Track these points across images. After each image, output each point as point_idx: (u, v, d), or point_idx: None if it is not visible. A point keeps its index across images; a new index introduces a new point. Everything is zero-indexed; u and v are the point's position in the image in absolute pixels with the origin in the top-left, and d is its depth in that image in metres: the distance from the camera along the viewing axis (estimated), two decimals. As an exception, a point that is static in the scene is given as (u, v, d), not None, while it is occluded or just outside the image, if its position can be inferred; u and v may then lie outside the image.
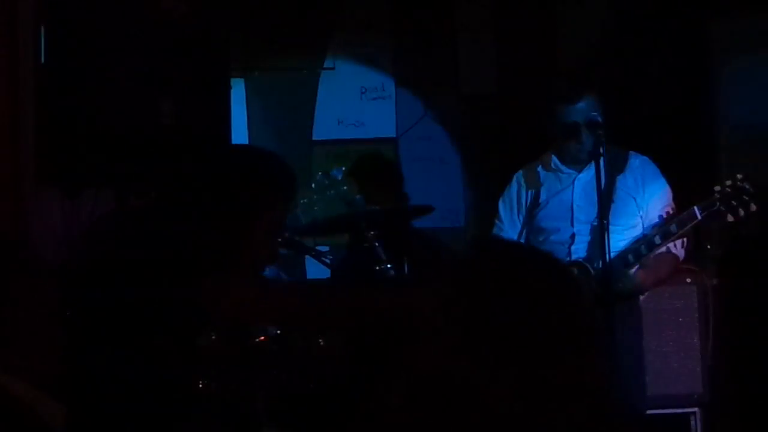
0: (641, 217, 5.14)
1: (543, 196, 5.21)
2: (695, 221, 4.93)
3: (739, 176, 4.95)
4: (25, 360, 2.52)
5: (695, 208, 4.93)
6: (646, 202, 5.14)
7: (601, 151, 4.81)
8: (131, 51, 4.57)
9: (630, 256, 4.99)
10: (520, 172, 5.33)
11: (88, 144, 4.22)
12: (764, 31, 6.80)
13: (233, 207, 2.91)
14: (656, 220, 5.14)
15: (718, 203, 4.90)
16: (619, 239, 5.03)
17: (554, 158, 5.21)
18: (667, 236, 4.97)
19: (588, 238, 5.03)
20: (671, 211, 5.09)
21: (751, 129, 6.81)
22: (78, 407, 2.65)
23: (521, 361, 1.81)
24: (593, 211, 4.93)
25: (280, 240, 3.15)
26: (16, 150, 4.27)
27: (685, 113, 6.90)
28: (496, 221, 5.35)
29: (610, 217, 4.95)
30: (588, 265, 4.93)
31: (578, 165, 5.15)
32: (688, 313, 5.82)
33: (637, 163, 5.18)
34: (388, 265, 4.76)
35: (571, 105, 5.07)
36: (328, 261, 5.43)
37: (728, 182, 4.93)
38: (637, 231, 5.12)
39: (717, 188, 4.93)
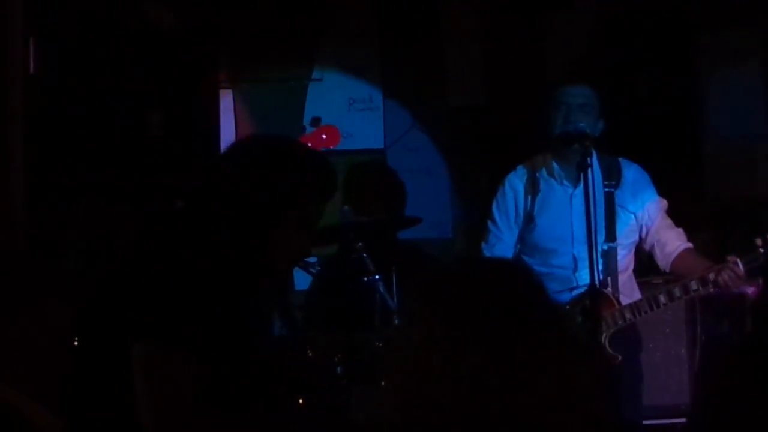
0: (642, 228, 5.10)
1: (538, 207, 5.09)
2: (739, 273, 4.86)
3: None
4: (25, 373, 2.51)
5: (738, 260, 4.85)
6: (645, 216, 5.09)
7: (589, 162, 4.65)
8: (120, 62, 4.58)
9: (662, 297, 4.96)
10: (513, 176, 5.19)
11: (78, 155, 4.21)
12: (747, 43, 6.83)
13: (260, 202, 2.80)
14: (657, 232, 5.10)
15: (762, 259, 4.82)
16: (624, 254, 5.01)
17: (555, 165, 5.10)
18: (704, 284, 4.92)
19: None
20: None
21: (735, 139, 6.84)
22: (78, 424, 2.61)
23: (502, 373, 1.84)
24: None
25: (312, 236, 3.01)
26: (5, 161, 4.26)
27: (671, 124, 6.92)
28: (491, 227, 5.19)
29: (616, 236, 4.94)
30: (606, 292, 4.84)
31: (573, 179, 5.08)
32: (676, 325, 5.83)
33: (631, 175, 5.09)
34: (377, 276, 4.76)
35: (566, 86, 5.03)
36: (314, 272, 5.42)
37: None
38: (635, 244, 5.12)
39: (758, 241, 4.86)
